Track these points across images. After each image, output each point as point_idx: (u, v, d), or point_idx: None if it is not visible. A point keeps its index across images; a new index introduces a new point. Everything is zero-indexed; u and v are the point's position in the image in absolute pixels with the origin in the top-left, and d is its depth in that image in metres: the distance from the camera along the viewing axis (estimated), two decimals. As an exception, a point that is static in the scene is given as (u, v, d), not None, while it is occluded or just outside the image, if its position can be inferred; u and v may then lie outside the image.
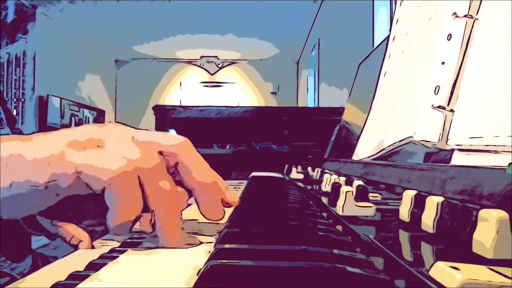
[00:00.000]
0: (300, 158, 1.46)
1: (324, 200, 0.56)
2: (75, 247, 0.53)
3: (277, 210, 0.51)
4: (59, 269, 0.30)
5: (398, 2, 0.83)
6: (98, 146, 0.33)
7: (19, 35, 4.61)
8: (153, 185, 0.33)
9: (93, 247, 0.46)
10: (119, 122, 0.37)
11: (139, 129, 0.37)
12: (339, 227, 0.42)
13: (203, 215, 0.38)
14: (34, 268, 0.48)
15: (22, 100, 4.68)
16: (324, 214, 0.49)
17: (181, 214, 0.36)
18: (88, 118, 5.88)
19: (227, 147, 2.06)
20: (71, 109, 5.42)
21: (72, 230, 0.59)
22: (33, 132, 0.36)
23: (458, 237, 0.26)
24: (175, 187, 0.34)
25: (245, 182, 1.10)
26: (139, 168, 0.32)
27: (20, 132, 0.77)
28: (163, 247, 0.33)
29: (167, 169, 0.35)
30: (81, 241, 0.54)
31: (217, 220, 0.38)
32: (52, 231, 0.58)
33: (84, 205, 0.36)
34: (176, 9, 4.64)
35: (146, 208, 0.33)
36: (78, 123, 5.57)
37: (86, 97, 5.85)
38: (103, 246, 0.40)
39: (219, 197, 0.38)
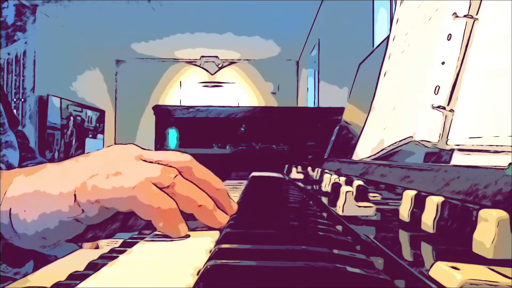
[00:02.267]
0: (300, 158, 1.46)
1: (324, 200, 0.56)
2: (80, 246, 0.53)
3: (277, 210, 0.51)
4: (59, 269, 0.31)
5: (398, 2, 0.83)
6: (116, 174, 0.34)
7: (19, 35, 4.60)
8: (179, 194, 0.35)
9: (97, 247, 0.46)
10: (125, 143, 0.39)
11: (144, 148, 0.39)
12: (339, 227, 0.42)
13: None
14: (34, 268, 0.48)
15: (22, 100, 4.68)
16: (324, 214, 0.49)
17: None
18: (91, 118, 5.88)
19: (227, 147, 2.06)
20: (71, 109, 5.42)
21: None
22: (42, 161, 0.37)
23: (458, 237, 0.26)
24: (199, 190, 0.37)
25: (245, 182, 1.10)
26: (160, 183, 0.34)
27: (23, 135, 0.76)
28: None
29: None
30: None
31: None
32: None
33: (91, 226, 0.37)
34: (175, 8, 4.64)
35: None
36: (80, 124, 5.57)
37: (86, 97, 5.85)
38: (106, 246, 0.40)
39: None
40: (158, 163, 0.36)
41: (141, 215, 0.33)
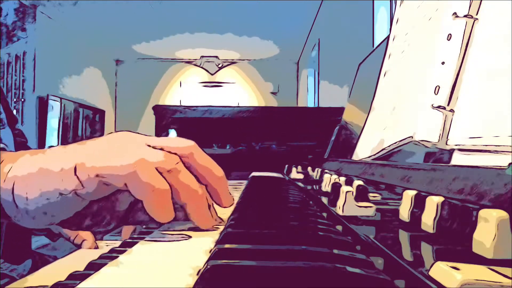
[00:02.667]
0: (300, 158, 1.46)
1: (324, 200, 0.56)
2: (79, 247, 0.53)
3: (277, 210, 0.51)
4: (59, 269, 0.31)
5: (398, 2, 0.83)
6: (118, 155, 0.35)
7: (19, 35, 4.60)
8: (177, 181, 0.35)
9: (97, 247, 0.46)
10: (129, 131, 0.40)
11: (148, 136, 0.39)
12: (339, 227, 0.42)
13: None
14: (34, 268, 0.48)
15: (22, 100, 4.68)
16: (324, 214, 0.49)
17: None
18: (91, 118, 5.88)
19: (227, 147, 2.06)
20: (71, 110, 5.41)
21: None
22: (50, 146, 0.38)
23: (458, 237, 0.26)
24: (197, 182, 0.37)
25: (245, 182, 1.10)
26: (160, 167, 0.34)
27: (21, 133, 0.76)
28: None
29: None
30: (84, 240, 0.54)
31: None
32: (55, 230, 0.58)
33: (92, 210, 0.38)
34: (175, 8, 4.64)
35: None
36: (80, 124, 5.57)
37: (86, 97, 5.85)
38: (106, 246, 0.40)
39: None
40: (162, 149, 0.37)
41: (135, 192, 0.34)
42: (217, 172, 0.39)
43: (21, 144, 0.73)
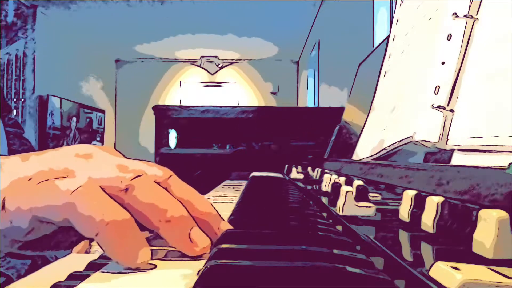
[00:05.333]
0: (300, 158, 1.46)
1: (324, 200, 0.56)
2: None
3: (277, 210, 0.51)
4: (59, 269, 0.30)
5: (398, 2, 0.83)
6: (64, 176, 0.27)
7: (19, 35, 4.60)
8: (137, 203, 0.27)
9: (88, 251, 0.45)
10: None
11: (125, 156, 0.32)
12: (339, 227, 0.42)
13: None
14: (34, 268, 0.48)
15: (22, 100, 4.68)
16: (324, 214, 0.49)
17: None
18: (91, 118, 5.88)
19: (227, 147, 2.06)
20: (71, 109, 5.42)
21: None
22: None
23: (458, 237, 0.26)
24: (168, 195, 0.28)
25: (245, 182, 1.10)
26: (108, 186, 0.27)
27: (16, 123, 0.75)
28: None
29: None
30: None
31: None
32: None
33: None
34: (176, 9, 4.64)
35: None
36: (80, 123, 5.57)
37: (86, 97, 5.85)
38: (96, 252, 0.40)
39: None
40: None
41: (80, 229, 0.25)
42: (202, 206, 0.31)
43: (16, 135, 0.72)
